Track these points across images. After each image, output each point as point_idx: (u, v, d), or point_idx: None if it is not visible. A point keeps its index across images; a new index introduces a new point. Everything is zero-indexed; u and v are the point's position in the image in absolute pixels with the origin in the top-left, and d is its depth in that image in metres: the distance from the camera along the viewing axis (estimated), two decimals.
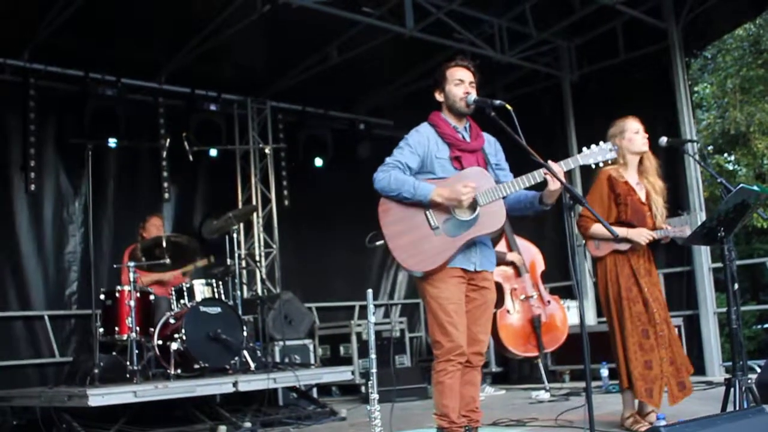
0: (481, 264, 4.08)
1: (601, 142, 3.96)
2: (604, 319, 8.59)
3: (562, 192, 3.79)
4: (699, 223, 4.64)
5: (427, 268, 3.96)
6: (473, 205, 3.93)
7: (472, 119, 4.22)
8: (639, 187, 4.86)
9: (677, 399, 4.68)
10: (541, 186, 3.93)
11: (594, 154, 3.93)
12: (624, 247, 4.73)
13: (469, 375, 4.08)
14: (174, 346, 6.19)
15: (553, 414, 5.57)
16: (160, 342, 6.34)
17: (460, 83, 4.09)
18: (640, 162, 4.88)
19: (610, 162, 4.56)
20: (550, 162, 3.81)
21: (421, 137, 4.08)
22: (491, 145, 4.24)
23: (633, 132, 4.81)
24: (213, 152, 8.98)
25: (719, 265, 5.74)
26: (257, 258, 9.37)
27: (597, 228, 4.70)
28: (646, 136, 4.82)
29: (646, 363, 4.61)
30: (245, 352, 6.65)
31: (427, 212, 3.96)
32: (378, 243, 3.87)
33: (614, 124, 4.88)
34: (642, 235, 4.70)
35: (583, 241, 4.98)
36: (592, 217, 4.68)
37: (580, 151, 3.96)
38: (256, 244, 9.51)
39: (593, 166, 3.99)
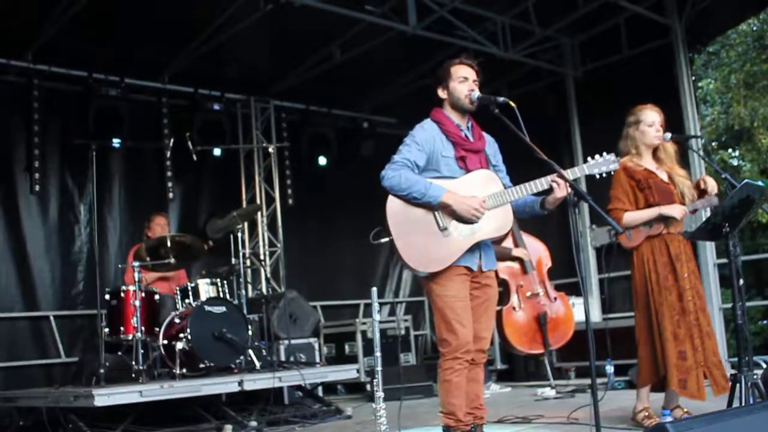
0: (486, 264, 4.11)
1: (605, 153, 4.01)
2: (609, 316, 8.68)
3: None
4: (703, 219, 4.62)
5: (435, 269, 3.95)
6: None
7: (473, 118, 4.22)
8: (659, 171, 4.82)
9: (723, 390, 4.47)
10: (543, 190, 3.96)
11: (599, 165, 3.99)
12: (656, 231, 4.68)
13: (472, 372, 4.08)
14: (179, 345, 6.19)
15: (559, 411, 5.57)
16: (166, 341, 6.35)
17: (465, 80, 4.10)
18: (655, 151, 4.86)
19: (624, 152, 4.61)
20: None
21: (428, 134, 4.06)
22: (490, 145, 4.25)
23: (647, 124, 4.78)
24: (217, 152, 8.99)
25: (724, 260, 5.73)
26: (262, 257, 9.38)
27: (629, 216, 4.64)
28: (661, 129, 4.79)
29: (680, 353, 4.53)
30: (250, 351, 6.66)
31: (436, 213, 3.94)
32: (383, 240, 3.85)
33: (632, 111, 4.86)
34: (677, 209, 4.65)
35: (603, 236, 4.95)
36: (621, 207, 4.68)
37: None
38: (261, 243, 9.52)
39: (597, 177, 4.02)
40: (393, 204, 3.97)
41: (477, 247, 4.03)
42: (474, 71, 4.14)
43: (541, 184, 3.92)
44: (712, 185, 4.74)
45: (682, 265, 4.67)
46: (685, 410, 4.66)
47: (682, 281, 4.64)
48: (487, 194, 3.96)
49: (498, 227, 4.01)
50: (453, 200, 3.89)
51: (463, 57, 4.24)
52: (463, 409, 3.98)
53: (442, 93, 4.16)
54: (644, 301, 4.69)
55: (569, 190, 3.78)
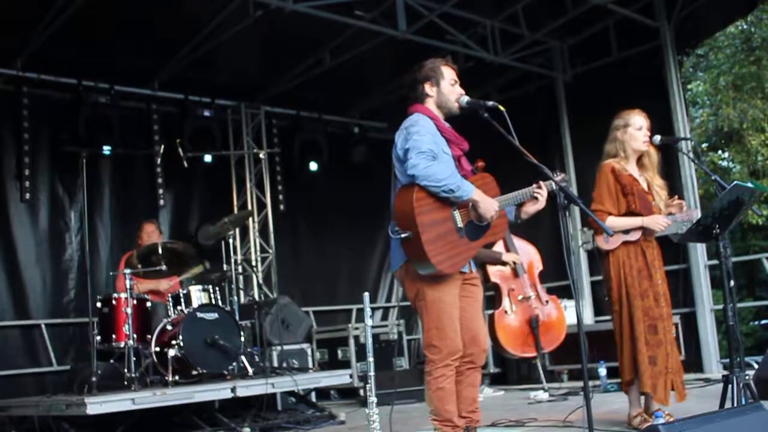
0: (473, 265, 4.14)
1: (557, 171, 4.08)
2: (601, 318, 8.71)
3: (557, 192, 3.82)
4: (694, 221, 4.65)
5: (453, 269, 3.88)
6: None
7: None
8: (641, 179, 4.85)
9: (684, 396, 4.69)
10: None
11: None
12: (634, 237, 4.70)
13: (471, 377, 4.06)
14: (172, 352, 6.17)
15: (552, 414, 5.57)
16: (158, 349, 6.32)
17: (455, 83, 4.09)
18: (640, 157, 4.88)
19: (611, 155, 4.65)
20: (535, 183, 3.97)
21: (432, 127, 3.97)
22: None
23: (636, 128, 4.79)
24: (207, 158, 8.97)
25: (715, 262, 5.75)
26: (253, 263, 9.37)
27: (611, 222, 4.65)
28: (648, 134, 4.80)
29: (651, 359, 4.58)
30: (243, 358, 6.64)
31: (454, 211, 3.87)
32: (404, 235, 3.77)
33: (619, 115, 4.86)
34: (658, 222, 4.67)
35: (590, 239, 5.00)
36: (604, 210, 4.70)
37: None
38: (252, 249, 9.51)
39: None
40: (421, 194, 3.79)
41: None
42: (457, 75, 4.14)
43: (530, 192, 3.98)
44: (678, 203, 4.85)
45: (656, 271, 4.73)
46: (667, 413, 4.68)
47: (656, 287, 4.70)
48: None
49: (498, 231, 4.06)
50: (480, 198, 3.84)
51: (448, 58, 4.25)
52: (456, 413, 3.95)
53: (430, 89, 4.08)
54: (619, 305, 4.73)
55: (560, 192, 3.78)
